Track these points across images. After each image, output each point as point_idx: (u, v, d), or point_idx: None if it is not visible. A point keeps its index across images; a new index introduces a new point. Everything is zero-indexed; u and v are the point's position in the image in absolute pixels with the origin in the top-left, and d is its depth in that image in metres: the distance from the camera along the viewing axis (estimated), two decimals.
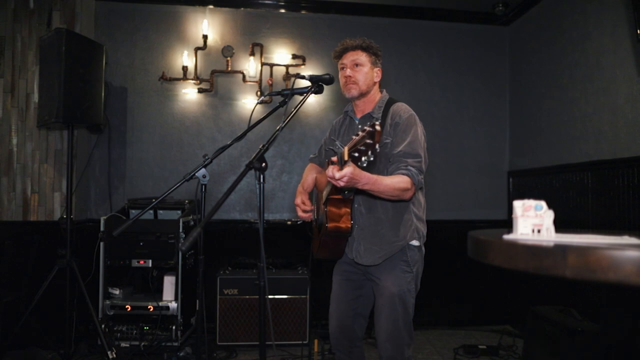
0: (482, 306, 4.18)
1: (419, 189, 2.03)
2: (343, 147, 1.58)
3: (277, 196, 4.05)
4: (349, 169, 1.58)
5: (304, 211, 2.11)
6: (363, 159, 1.50)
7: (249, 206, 4.02)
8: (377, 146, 1.48)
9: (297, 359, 3.27)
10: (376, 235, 2.01)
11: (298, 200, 2.13)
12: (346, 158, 1.54)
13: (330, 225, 1.90)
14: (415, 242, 2.04)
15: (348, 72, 2.03)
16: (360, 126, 1.53)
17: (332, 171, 1.60)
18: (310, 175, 2.26)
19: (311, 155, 2.43)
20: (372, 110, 2.07)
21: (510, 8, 4.11)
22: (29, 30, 3.48)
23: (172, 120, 3.98)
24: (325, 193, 1.95)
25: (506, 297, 4.15)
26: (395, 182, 1.83)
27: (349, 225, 1.92)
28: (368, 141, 1.47)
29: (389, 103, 2.08)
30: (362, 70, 2.03)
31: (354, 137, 1.54)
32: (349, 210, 1.92)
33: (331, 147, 2.19)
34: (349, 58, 2.04)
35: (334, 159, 1.67)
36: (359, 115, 2.12)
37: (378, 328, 2.03)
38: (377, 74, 2.09)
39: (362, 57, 2.04)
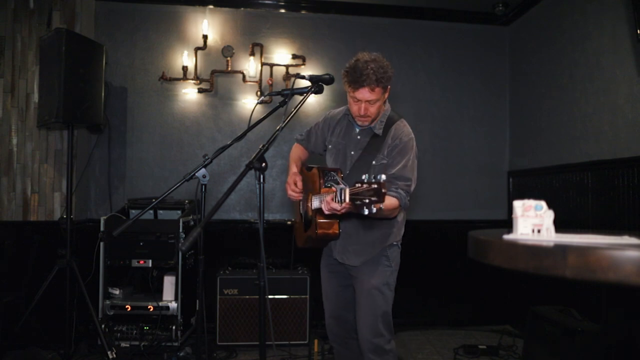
0: (482, 306, 4.17)
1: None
2: (345, 188, 1.59)
3: (277, 196, 4.05)
4: (347, 204, 1.62)
5: (294, 191, 2.10)
6: (365, 209, 1.51)
7: (249, 206, 4.02)
8: (381, 206, 1.50)
9: (297, 359, 3.27)
10: (362, 241, 2.10)
11: (291, 180, 2.12)
12: (347, 200, 1.57)
13: (319, 231, 1.99)
14: (394, 242, 2.15)
15: (363, 110, 1.99)
16: (364, 177, 1.53)
17: (332, 205, 1.67)
18: (298, 160, 2.29)
19: (298, 136, 2.40)
20: (374, 125, 2.09)
21: (510, 8, 4.11)
22: (29, 30, 3.48)
23: (172, 120, 3.98)
24: (314, 203, 2.00)
25: (506, 297, 4.15)
26: (386, 204, 1.84)
27: (337, 232, 2.01)
28: (373, 199, 1.50)
29: (391, 119, 2.10)
30: (377, 104, 2.01)
31: (357, 184, 1.55)
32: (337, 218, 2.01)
33: (331, 183, 2.09)
34: (365, 97, 1.95)
35: (334, 189, 1.70)
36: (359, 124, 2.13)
37: (358, 321, 2.12)
38: (386, 94, 2.06)
39: (377, 94, 1.96)
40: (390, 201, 1.90)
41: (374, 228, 2.09)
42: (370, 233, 2.09)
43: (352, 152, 2.12)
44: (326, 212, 1.75)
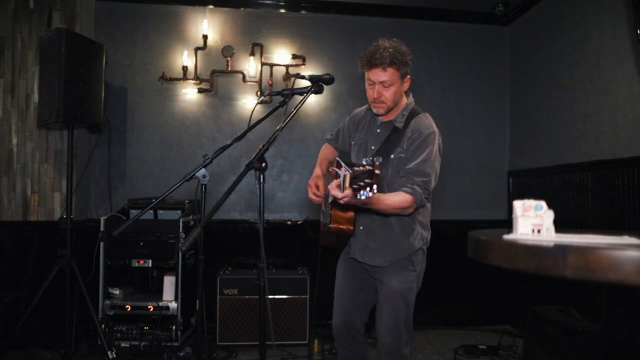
0: (482, 306, 4.17)
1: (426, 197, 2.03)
2: (346, 174, 1.58)
3: (277, 196, 4.05)
4: (349, 191, 1.60)
5: (315, 194, 2.09)
6: (362, 192, 1.51)
7: (249, 206, 4.02)
8: (375, 187, 1.49)
9: (297, 359, 3.27)
10: (386, 240, 2.05)
11: (312, 182, 2.12)
12: (347, 185, 1.57)
13: (333, 226, 1.96)
14: (419, 247, 2.10)
15: (377, 92, 1.97)
16: (365, 160, 1.54)
17: (335, 191, 1.64)
18: (325, 160, 2.30)
19: (328, 136, 2.40)
20: (394, 118, 2.05)
21: (510, 8, 4.11)
22: (29, 30, 3.48)
23: (172, 120, 3.98)
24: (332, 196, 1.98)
25: (506, 297, 4.15)
26: (397, 201, 1.85)
27: (351, 228, 1.98)
28: (367, 180, 1.50)
29: (413, 113, 2.05)
30: (392, 90, 1.96)
31: (356, 168, 1.55)
32: (353, 214, 1.98)
33: (334, 169, 2.16)
34: (379, 78, 1.94)
35: (337, 182, 1.69)
36: (381, 118, 2.11)
37: (379, 324, 2.07)
38: (406, 85, 2.03)
39: (392, 77, 1.93)
40: (400, 197, 1.86)
41: (394, 225, 2.04)
42: (391, 231, 2.04)
43: (373, 147, 2.08)
44: (331, 195, 1.71)
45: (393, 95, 1.98)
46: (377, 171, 1.51)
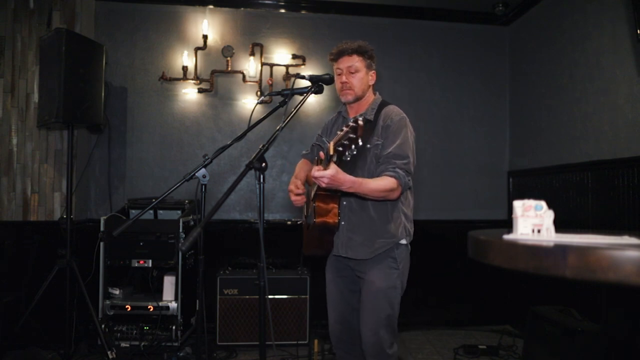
0: (482, 306, 4.17)
1: (408, 188, 2.07)
2: (329, 143, 1.64)
3: (277, 196, 4.05)
4: (329, 171, 1.68)
5: (297, 194, 2.10)
6: (347, 152, 1.60)
7: (249, 206, 4.02)
8: (359, 140, 1.58)
9: (297, 359, 3.27)
10: (368, 231, 2.05)
11: (292, 186, 2.14)
12: (332, 152, 1.63)
13: (318, 220, 1.97)
14: (403, 241, 2.09)
15: (344, 78, 2.07)
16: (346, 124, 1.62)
17: (314, 170, 1.71)
18: (302, 170, 2.32)
19: (304, 152, 2.45)
20: (365, 112, 2.11)
21: (510, 8, 4.11)
22: (29, 30, 3.48)
23: (172, 120, 3.98)
24: (313, 190, 2.01)
25: (506, 297, 4.15)
26: (381, 184, 1.90)
27: (336, 220, 1.99)
28: (351, 135, 1.57)
29: (382, 105, 2.13)
30: (358, 76, 2.06)
31: (339, 132, 1.63)
32: (336, 205, 2.00)
33: (319, 144, 2.28)
34: (345, 64, 2.06)
35: (322, 154, 1.77)
36: (351, 116, 2.16)
37: (362, 323, 2.07)
38: (371, 77, 2.13)
39: (358, 63, 2.06)
40: (385, 180, 1.90)
41: (374, 216, 2.04)
42: (372, 222, 2.04)
43: None
44: (316, 181, 1.75)
45: (360, 81, 2.07)
46: (360, 122, 1.57)
